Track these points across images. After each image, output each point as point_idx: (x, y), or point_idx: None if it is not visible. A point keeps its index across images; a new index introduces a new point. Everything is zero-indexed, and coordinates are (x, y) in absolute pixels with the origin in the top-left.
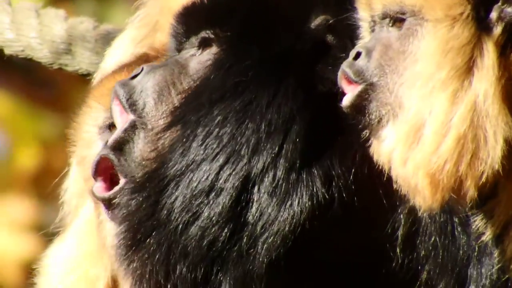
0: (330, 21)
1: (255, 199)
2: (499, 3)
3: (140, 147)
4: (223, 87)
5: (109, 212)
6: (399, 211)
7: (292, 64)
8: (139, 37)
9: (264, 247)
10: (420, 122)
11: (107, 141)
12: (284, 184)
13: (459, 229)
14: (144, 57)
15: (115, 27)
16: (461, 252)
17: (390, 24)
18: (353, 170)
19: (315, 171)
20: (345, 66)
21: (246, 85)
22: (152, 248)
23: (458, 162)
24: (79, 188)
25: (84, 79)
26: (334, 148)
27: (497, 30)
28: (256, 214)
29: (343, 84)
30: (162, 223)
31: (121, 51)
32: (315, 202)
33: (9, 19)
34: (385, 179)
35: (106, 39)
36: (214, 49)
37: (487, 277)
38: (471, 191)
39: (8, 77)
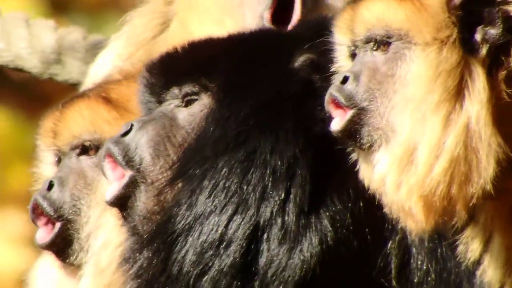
0: (314, 59)
1: (265, 247)
2: (483, 25)
3: (144, 201)
4: (225, 138)
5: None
6: (388, 244)
7: (286, 109)
8: (125, 55)
9: None
10: (413, 146)
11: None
12: (293, 229)
13: (448, 253)
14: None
15: (104, 37)
16: (452, 275)
17: (374, 48)
18: (349, 205)
19: (323, 213)
20: (333, 90)
21: (247, 134)
22: None
23: (451, 184)
24: None
25: (74, 88)
26: (332, 185)
27: (483, 51)
28: (267, 262)
29: (330, 108)
30: (174, 278)
31: (105, 67)
32: (324, 246)
33: None
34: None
35: (96, 49)
36: (205, 101)
37: None
38: (462, 213)
39: (3, 94)
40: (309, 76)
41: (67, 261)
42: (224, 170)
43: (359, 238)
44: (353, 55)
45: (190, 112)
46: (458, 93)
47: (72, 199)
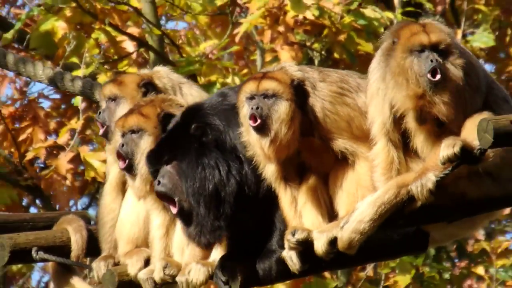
0: (197, 125)
1: (224, 183)
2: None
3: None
4: (189, 169)
5: None
6: (244, 170)
7: (201, 148)
8: None
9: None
10: (277, 135)
11: None
12: (225, 174)
13: (256, 172)
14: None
15: None
16: (258, 182)
17: (264, 97)
18: (239, 163)
19: (233, 168)
20: (254, 111)
21: (196, 164)
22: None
23: (286, 144)
24: None
25: None
26: (236, 159)
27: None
28: (226, 186)
29: (251, 119)
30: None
31: None
32: (238, 174)
33: None
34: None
35: None
36: (174, 163)
37: None
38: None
39: None
40: (199, 132)
41: (132, 173)
42: (198, 173)
43: (239, 172)
44: (250, 98)
45: (170, 167)
46: (293, 118)
47: (131, 149)
